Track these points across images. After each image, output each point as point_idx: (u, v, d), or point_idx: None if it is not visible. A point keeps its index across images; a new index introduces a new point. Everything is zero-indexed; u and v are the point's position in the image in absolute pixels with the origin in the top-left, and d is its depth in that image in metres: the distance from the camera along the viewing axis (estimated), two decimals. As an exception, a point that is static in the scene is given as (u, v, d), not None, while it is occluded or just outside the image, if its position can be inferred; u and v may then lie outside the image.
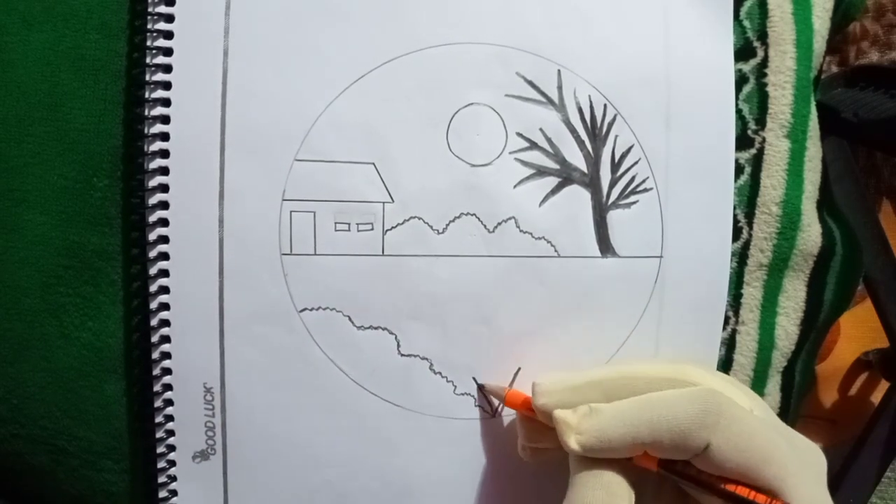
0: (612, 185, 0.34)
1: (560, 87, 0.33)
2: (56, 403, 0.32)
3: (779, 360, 0.36)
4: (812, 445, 0.31)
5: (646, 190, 0.34)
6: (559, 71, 0.33)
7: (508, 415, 0.34)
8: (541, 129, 0.33)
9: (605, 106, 0.33)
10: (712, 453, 0.27)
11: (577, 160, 0.33)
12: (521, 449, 0.33)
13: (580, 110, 0.33)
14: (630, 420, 0.28)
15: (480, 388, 0.34)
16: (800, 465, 0.28)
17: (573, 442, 0.29)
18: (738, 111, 0.34)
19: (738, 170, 0.35)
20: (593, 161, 0.33)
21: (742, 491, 0.28)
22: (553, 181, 0.33)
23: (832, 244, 0.36)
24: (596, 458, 0.29)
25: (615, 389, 0.30)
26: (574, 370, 0.32)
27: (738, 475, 0.28)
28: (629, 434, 0.28)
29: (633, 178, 0.34)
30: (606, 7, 0.33)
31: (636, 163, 0.34)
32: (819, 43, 0.35)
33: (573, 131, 0.33)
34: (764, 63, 0.35)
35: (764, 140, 0.35)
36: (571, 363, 0.34)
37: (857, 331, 0.48)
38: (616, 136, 0.33)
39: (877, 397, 0.48)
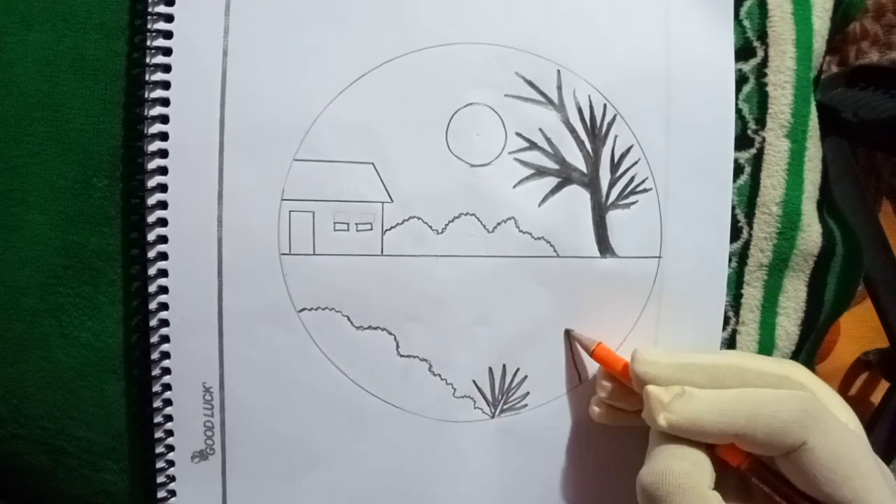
0: (612, 185, 0.34)
1: (560, 88, 0.33)
2: (56, 403, 0.32)
3: (779, 360, 0.36)
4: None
5: (645, 190, 0.34)
6: (559, 71, 0.33)
7: (506, 416, 0.34)
8: (540, 130, 0.33)
9: (604, 106, 0.33)
10: (805, 453, 0.28)
11: (577, 160, 0.33)
12: (596, 404, 0.33)
13: (580, 110, 0.33)
14: (728, 409, 0.29)
15: (568, 333, 0.34)
16: (884, 486, 0.28)
17: (662, 419, 0.29)
18: (738, 111, 0.34)
19: (738, 170, 0.35)
20: (593, 161, 0.33)
21: None
22: (552, 181, 0.33)
23: (832, 244, 0.36)
24: (679, 438, 0.30)
25: (724, 377, 0.30)
26: (677, 349, 0.32)
27: (823, 482, 0.28)
28: (725, 422, 0.29)
29: (632, 179, 0.34)
30: (607, 7, 0.33)
31: (636, 163, 0.34)
32: (819, 43, 0.35)
33: (573, 131, 0.33)
34: (764, 63, 0.35)
35: (764, 140, 0.35)
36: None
37: (857, 331, 0.49)
38: (616, 137, 0.33)
39: (877, 397, 0.48)
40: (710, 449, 0.30)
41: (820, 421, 0.28)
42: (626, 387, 0.32)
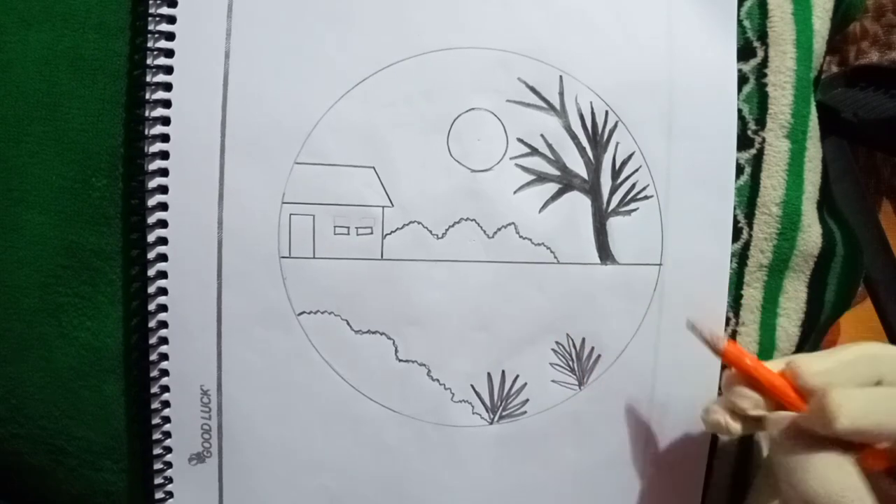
0: (613, 192, 0.34)
1: (562, 93, 0.33)
2: (55, 403, 0.32)
3: (780, 360, 0.36)
4: None
5: (646, 197, 0.34)
6: (561, 77, 0.33)
7: (505, 422, 0.34)
8: (542, 135, 0.33)
9: (606, 112, 0.33)
10: None
11: (578, 167, 0.33)
12: (728, 421, 0.31)
13: (581, 117, 0.33)
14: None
15: (692, 324, 0.32)
16: None
17: (844, 420, 0.27)
18: (738, 111, 0.34)
19: (738, 170, 0.35)
20: (594, 168, 0.33)
21: None
22: (553, 187, 0.33)
23: (833, 245, 0.36)
24: (819, 442, 0.28)
25: (867, 372, 0.29)
26: (832, 349, 0.31)
27: None
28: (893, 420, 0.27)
29: (633, 186, 0.34)
30: (610, 13, 0.33)
31: (637, 170, 0.34)
32: (819, 43, 0.35)
33: (574, 138, 0.33)
34: (764, 63, 0.35)
35: (764, 140, 0.35)
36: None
37: (857, 331, 0.49)
38: (617, 143, 0.33)
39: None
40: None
41: None
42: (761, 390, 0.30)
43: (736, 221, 0.35)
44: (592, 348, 0.34)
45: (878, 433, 0.28)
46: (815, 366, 0.29)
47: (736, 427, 0.31)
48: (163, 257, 0.31)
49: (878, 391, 0.29)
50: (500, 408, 0.34)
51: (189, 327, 0.31)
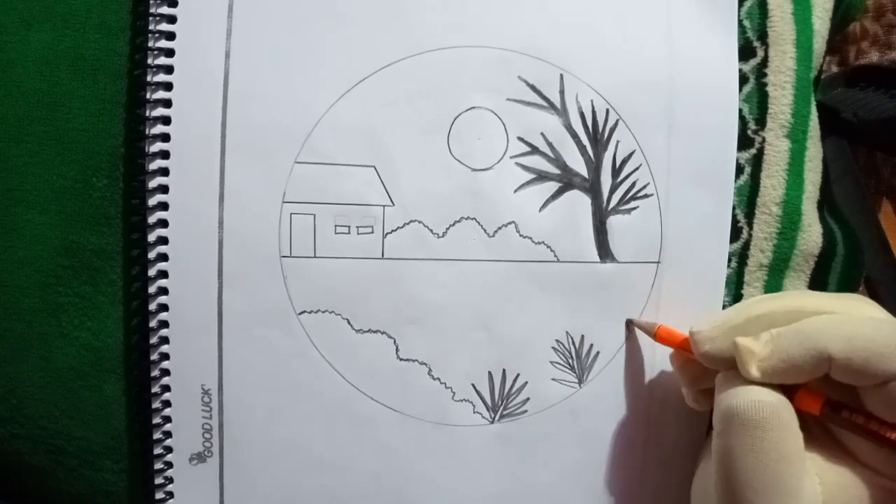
0: (613, 190, 0.34)
1: (562, 92, 0.33)
2: (55, 403, 0.32)
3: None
4: None
5: (646, 196, 0.34)
6: (562, 75, 0.33)
7: (505, 421, 0.34)
8: (542, 134, 0.33)
9: (607, 111, 0.33)
10: None
11: (578, 165, 0.33)
12: (693, 401, 0.33)
13: (582, 115, 0.33)
14: (820, 335, 0.27)
15: (629, 323, 0.34)
16: None
17: (755, 370, 0.28)
18: (738, 111, 0.34)
19: (738, 170, 0.35)
20: (594, 166, 0.33)
21: None
22: (554, 186, 0.33)
23: (833, 244, 0.36)
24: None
25: (782, 324, 0.29)
26: (730, 308, 0.31)
27: None
28: (819, 349, 0.27)
29: (633, 184, 0.34)
30: (610, 12, 0.33)
31: (637, 168, 0.34)
32: (819, 43, 0.35)
33: (575, 136, 0.33)
34: (764, 63, 0.35)
35: (764, 140, 0.35)
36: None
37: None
38: (618, 142, 0.33)
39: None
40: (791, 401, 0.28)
41: None
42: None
43: (736, 221, 0.35)
44: (591, 346, 0.34)
45: (810, 362, 0.28)
46: (707, 332, 0.30)
47: (695, 402, 0.33)
48: (163, 257, 0.31)
49: (810, 322, 0.28)
50: (501, 407, 0.34)
51: (190, 327, 0.31)
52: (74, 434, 0.32)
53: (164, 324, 0.31)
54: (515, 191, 0.33)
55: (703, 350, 0.30)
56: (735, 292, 0.35)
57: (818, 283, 0.36)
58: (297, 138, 0.31)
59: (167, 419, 0.32)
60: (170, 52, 0.30)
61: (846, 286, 0.37)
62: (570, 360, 0.34)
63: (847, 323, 0.28)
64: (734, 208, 0.35)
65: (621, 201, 0.34)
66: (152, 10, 0.30)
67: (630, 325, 0.34)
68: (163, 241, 0.31)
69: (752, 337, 0.29)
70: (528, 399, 0.34)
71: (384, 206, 0.32)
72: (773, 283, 0.35)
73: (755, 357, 0.28)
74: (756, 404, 0.27)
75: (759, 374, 0.28)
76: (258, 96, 0.31)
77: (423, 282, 0.32)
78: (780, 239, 0.35)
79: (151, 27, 0.30)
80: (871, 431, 0.28)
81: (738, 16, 0.34)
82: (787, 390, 0.28)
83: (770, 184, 0.35)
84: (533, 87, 0.33)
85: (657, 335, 0.33)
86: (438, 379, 0.33)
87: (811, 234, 0.35)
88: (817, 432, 0.30)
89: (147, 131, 0.31)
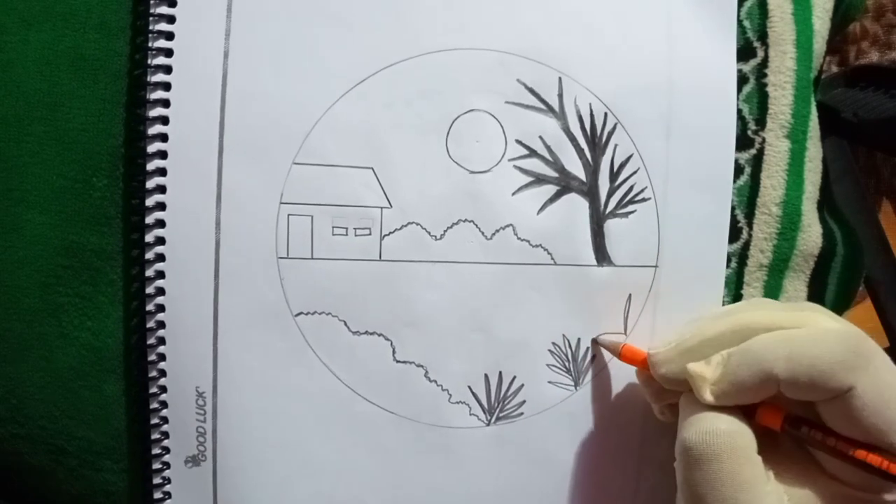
0: (611, 194, 0.33)
1: (561, 95, 0.33)
2: (55, 403, 0.32)
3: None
4: None
5: (644, 199, 0.34)
6: (560, 78, 0.33)
7: (501, 424, 0.34)
8: (540, 137, 0.33)
9: (605, 114, 0.33)
10: (854, 399, 0.26)
11: (576, 169, 0.33)
12: (659, 414, 0.33)
13: (580, 118, 0.33)
14: (765, 355, 0.27)
15: (595, 341, 0.34)
16: None
17: (708, 394, 0.28)
18: (738, 111, 0.34)
19: (738, 170, 0.35)
20: (592, 170, 0.33)
21: (874, 459, 0.26)
22: (551, 189, 0.33)
23: (833, 245, 0.36)
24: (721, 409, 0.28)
25: (734, 344, 0.29)
26: (683, 328, 0.31)
27: (873, 431, 0.26)
28: (764, 370, 0.27)
29: (631, 188, 0.34)
30: (609, 15, 0.33)
31: (635, 172, 0.34)
32: (819, 43, 0.35)
33: (573, 139, 0.33)
34: (764, 63, 0.35)
35: (764, 140, 0.35)
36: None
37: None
38: (616, 146, 0.33)
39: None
40: (748, 417, 0.29)
41: (871, 361, 0.26)
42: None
43: (736, 221, 0.35)
44: (587, 349, 0.34)
45: (756, 383, 0.28)
46: (663, 355, 0.31)
47: (663, 415, 0.33)
48: (161, 257, 0.31)
49: (755, 341, 0.28)
50: (497, 409, 0.34)
51: (186, 328, 0.31)
52: (74, 434, 0.32)
53: (162, 324, 0.31)
54: (513, 193, 0.33)
55: (660, 372, 0.31)
56: (735, 292, 0.35)
57: (818, 283, 0.36)
58: (295, 139, 0.31)
59: (165, 420, 0.32)
60: (169, 52, 0.30)
61: (846, 286, 0.37)
62: (567, 364, 0.34)
63: (791, 341, 0.27)
64: (734, 208, 0.35)
65: (619, 205, 0.34)
66: (152, 10, 0.30)
67: (595, 344, 0.34)
68: (160, 241, 0.31)
69: (703, 361, 0.29)
70: (524, 402, 0.34)
71: (382, 207, 0.32)
72: (773, 284, 0.35)
73: (707, 382, 0.29)
74: (708, 436, 0.27)
75: (713, 399, 0.28)
76: (256, 97, 0.31)
77: (420, 284, 0.32)
78: (780, 239, 0.35)
79: (151, 27, 0.30)
80: (829, 447, 0.27)
81: (738, 16, 0.34)
82: (749, 406, 0.29)
83: (770, 184, 0.35)
84: (532, 90, 0.33)
85: (622, 355, 0.33)
86: (435, 381, 0.33)
87: (811, 235, 0.35)
88: (786, 444, 0.30)
89: (146, 131, 0.31)
